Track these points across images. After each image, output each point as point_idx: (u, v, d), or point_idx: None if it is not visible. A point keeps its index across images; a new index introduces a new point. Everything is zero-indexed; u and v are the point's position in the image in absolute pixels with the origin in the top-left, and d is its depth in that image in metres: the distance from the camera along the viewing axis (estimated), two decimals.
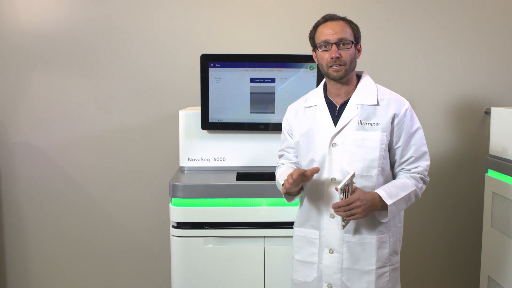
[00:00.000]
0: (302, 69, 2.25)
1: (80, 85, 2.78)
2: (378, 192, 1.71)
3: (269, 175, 2.20)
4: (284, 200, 1.88)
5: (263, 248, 2.08)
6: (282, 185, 1.78)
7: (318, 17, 1.81)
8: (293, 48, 2.68)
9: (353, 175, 1.64)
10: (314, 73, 2.25)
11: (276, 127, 2.26)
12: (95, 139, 2.81)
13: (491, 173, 2.52)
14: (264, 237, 2.08)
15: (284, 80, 2.26)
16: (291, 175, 1.69)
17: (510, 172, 2.34)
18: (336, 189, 1.65)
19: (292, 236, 1.96)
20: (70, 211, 2.86)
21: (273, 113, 2.27)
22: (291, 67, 2.25)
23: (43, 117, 2.79)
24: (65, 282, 2.91)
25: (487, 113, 2.83)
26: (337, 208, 1.66)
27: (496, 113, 2.51)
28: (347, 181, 1.61)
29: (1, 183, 2.83)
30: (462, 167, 2.90)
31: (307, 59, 2.22)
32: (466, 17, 2.82)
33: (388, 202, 1.70)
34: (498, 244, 2.43)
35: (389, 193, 1.71)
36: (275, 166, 2.01)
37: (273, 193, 2.03)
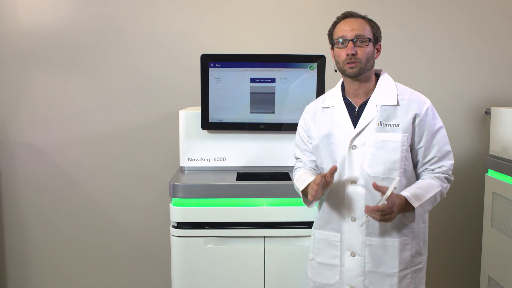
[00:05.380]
0: (302, 69, 2.25)
1: (81, 85, 2.78)
2: (404, 195, 1.66)
3: (269, 175, 2.21)
4: (284, 200, 1.87)
5: (263, 248, 2.08)
6: (302, 193, 1.77)
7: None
8: (293, 48, 2.68)
9: (398, 181, 1.61)
10: (314, 73, 2.24)
11: (276, 127, 2.26)
12: (95, 139, 2.81)
13: (491, 173, 2.52)
14: (264, 237, 2.08)
15: (284, 80, 2.26)
16: (313, 185, 1.65)
17: (510, 172, 2.34)
18: (377, 187, 1.60)
19: (292, 236, 1.97)
20: (70, 211, 2.86)
21: (273, 113, 2.27)
22: (291, 67, 2.25)
23: (43, 117, 2.79)
24: (65, 282, 2.91)
25: (487, 113, 2.83)
26: (376, 211, 1.58)
27: (496, 113, 2.51)
28: (393, 188, 1.57)
29: (1, 183, 2.83)
30: (462, 167, 2.90)
31: (307, 59, 2.22)
32: (467, 17, 2.82)
33: (415, 204, 1.64)
34: (498, 244, 2.43)
35: (415, 195, 1.66)
36: (275, 166, 2.00)
37: (273, 193, 2.03)
